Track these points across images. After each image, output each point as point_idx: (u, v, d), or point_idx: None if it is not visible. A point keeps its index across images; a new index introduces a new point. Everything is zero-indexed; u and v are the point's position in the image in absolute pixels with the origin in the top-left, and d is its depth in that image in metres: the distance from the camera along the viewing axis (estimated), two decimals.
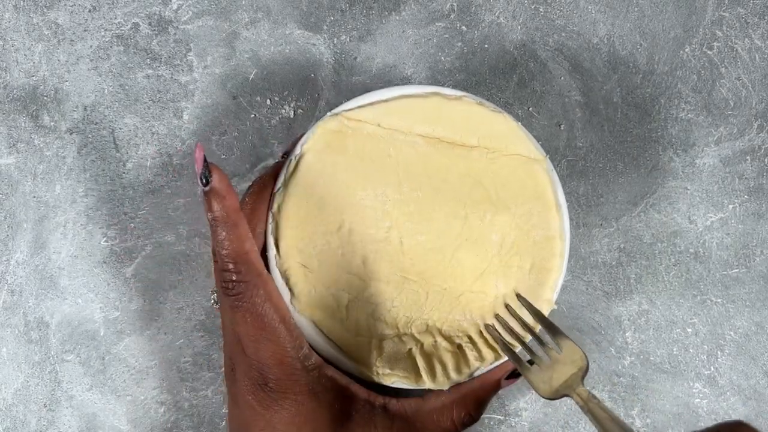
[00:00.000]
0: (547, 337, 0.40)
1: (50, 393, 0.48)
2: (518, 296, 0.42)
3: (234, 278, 0.38)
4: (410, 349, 0.42)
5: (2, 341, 0.48)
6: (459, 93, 0.43)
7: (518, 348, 0.41)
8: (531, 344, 0.41)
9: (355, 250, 0.42)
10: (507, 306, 0.42)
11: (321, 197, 0.42)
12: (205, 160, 0.38)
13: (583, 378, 0.37)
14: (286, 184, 0.42)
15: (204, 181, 0.38)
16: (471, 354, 0.41)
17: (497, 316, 0.42)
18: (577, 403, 0.36)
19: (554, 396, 0.37)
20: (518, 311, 0.42)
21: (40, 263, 0.48)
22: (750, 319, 0.49)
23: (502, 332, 0.42)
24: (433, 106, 0.42)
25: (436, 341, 0.42)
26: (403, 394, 0.41)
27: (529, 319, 0.42)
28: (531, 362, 0.40)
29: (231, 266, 0.38)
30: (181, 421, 0.48)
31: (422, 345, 0.42)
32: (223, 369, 0.48)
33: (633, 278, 0.49)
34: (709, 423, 0.48)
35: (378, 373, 0.41)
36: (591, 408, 0.35)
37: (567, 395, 0.37)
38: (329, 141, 0.42)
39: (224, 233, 0.38)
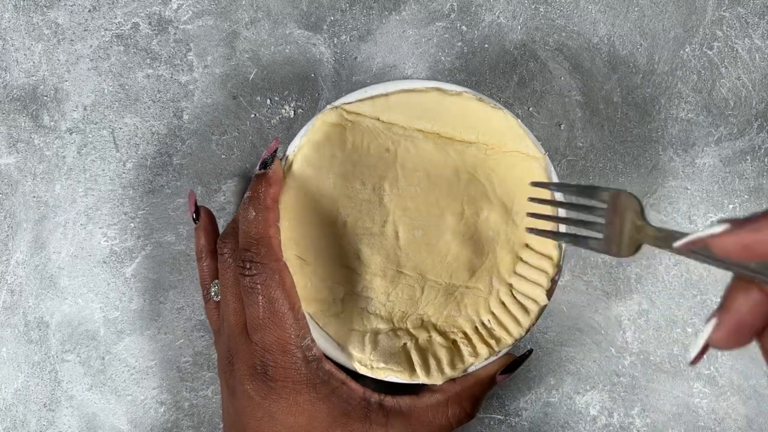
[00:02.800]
0: (584, 200, 0.37)
1: (50, 393, 0.48)
2: (533, 183, 0.39)
3: (253, 258, 0.39)
4: (405, 344, 0.42)
5: (2, 341, 0.48)
6: (459, 89, 0.43)
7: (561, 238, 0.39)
8: (577, 216, 0.38)
9: (351, 244, 0.42)
10: (531, 199, 0.39)
11: (318, 190, 0.42)
12: (275, 152, 0.41)
13: (643, 215, 0.33)
14: (284, 176, 0.42)
15: (263, 165, 0.41)
16: (465, 350, 0.41)
17: (530, 214, 0.39)
18: (656, 245, 0.32)
19: (632, 251, 0.34)
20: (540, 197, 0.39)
21: (40, 263, 0.48)
22: None
23: (547, 225, 0.39)
24: (433, 101, 0.42)
25: (430, 336, 0.42)
26: (398, 390, 0.42)
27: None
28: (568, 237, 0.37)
29: (253, 246, 0.40)
30: (181, 421, 0.48)
31: (417, 340, 0.42)
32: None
33: (633, 278, 0.49)
34: (709, 423, 0.48)
35: (372, 367, 0.41)
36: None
37: (640, 243, 0.33)
38: (328, 133, 0.42)
39: (254, 213, 0.40)
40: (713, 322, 0.29)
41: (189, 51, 0.49)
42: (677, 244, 0.29)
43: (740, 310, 0.28)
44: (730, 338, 0.28)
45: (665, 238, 0.31)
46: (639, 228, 0.34)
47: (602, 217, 0.35)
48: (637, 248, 0.34)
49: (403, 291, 0.42)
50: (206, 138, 0.49)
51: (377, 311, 0.42)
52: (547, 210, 0.41)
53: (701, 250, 0.29)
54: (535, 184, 0.39)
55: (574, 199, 0.40)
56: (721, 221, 0.28)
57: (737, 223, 0.27)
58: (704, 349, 0.29)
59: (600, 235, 0.35)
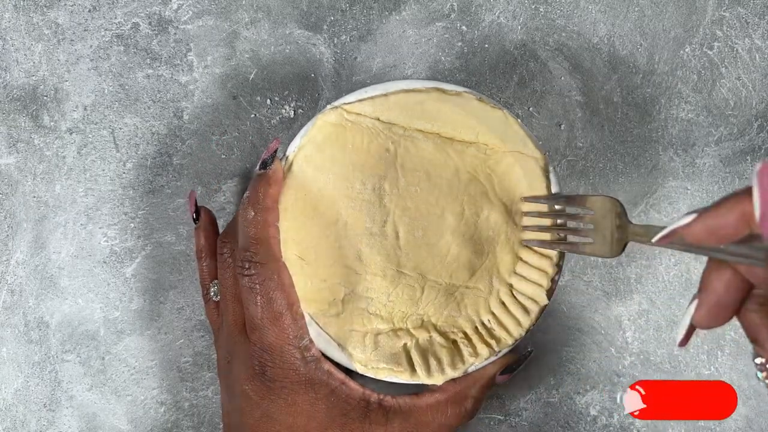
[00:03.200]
0: (574, 209, 0.41)
1: (50, 393, 0.48)
2: (525, 198, 0.42)
3: (252, 258, 0.39)
4: (405, 344, 0.42)
5: (2, 341, 0.48)
6: (459, 88, 0.43)
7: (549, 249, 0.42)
8: (569, 224, 0.41)
9: (351, 244, 0.42)
10: (524, 213, 0.42)
11: (319, 190, 0.42)
12: (275, 152, 0.41)
13: (626, 215, 0.37)
14: (284, 176, 0.42)
15: (263, 165, 0.41)
16: (465, 350, 0.42)
17: (525, 227, 0.42)
18: (639, 241, 0.35)
19: (619, 251, 0.37)
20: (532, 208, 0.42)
21: (40, 263, 0.48)
22: None
23: (539, 235, 0.42)
24: (433, 101, 0.42)
25: (431, 336, 0.42)
26: (397, 390, 0.42)
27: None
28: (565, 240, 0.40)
29: (252, 246, 0.40)
30: (181, 421, 0.48)
31: (417, 340, 0.42)
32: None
33: (633, 278, 0.49)
34: (709, 423, 0.48)
35: (372, 367, 0.41)
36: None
37: (626, 242, 0.37)
38: (328, 133, 0.42)
39: (253, 213, 0.40)
40: (695, 303, 0.31)
41: (189, 51, 0.49)
42: (656, 238, 0.32)
43: (717, 290, 0.30)
44: (711, 317, 0.31)
45: (646, 234, 0.34)
46: (622, 228, 0.37)
47: (591, 223, 0.39)
48: (623, 247, 0.37)
49: (404, 291, 0.42)
50: (206, 138, 0.49)
51: (377, 311, 0.42)
52: (543, 221, 0.43)
53: (678, 240, 0.32)
54: (527, 199, 0.42)
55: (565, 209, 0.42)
56: (690, 212, 0.30)
57: (702, 212, 0.30)
58: (690, 331, 0.32)
59: (591, 240, 0.39)
